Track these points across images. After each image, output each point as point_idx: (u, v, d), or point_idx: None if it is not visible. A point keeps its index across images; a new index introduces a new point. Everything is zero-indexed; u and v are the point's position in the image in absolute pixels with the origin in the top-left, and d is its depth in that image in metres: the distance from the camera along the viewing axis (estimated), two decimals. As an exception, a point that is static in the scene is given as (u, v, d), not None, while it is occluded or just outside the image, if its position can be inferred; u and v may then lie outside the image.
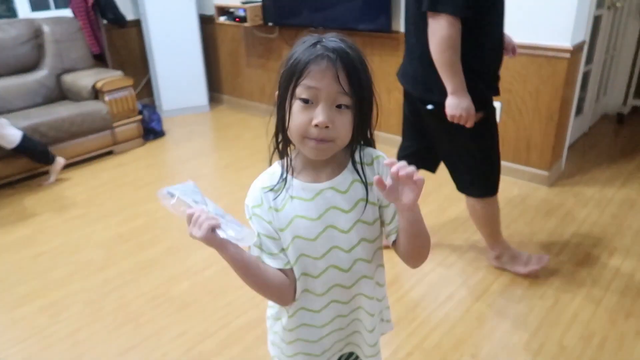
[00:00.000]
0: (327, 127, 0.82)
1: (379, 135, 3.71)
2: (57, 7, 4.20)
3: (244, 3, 3.96)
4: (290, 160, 0.93)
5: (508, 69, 2.94)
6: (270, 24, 3.93)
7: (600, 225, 2.59)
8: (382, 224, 0.96)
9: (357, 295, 0.98)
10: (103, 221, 2.82)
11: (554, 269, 2.26)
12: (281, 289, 0.93)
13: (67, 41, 3.82)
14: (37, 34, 3.73)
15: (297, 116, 0.84)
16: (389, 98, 3.59)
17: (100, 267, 2.40)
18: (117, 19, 4.20)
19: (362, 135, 0.91)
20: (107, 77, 3.68)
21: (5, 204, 3.06)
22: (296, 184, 0.92)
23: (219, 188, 3.21)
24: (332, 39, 0.86)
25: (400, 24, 3.32)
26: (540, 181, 3.04)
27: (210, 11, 4.45)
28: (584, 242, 2.45)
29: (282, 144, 0.92)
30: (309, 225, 0.90)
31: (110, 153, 3.75)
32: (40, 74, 3.72)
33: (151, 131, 4.03)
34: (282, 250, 0.93)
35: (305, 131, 0.84)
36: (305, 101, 0.83)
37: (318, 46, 0.84)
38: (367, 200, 0.91)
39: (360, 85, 0.84)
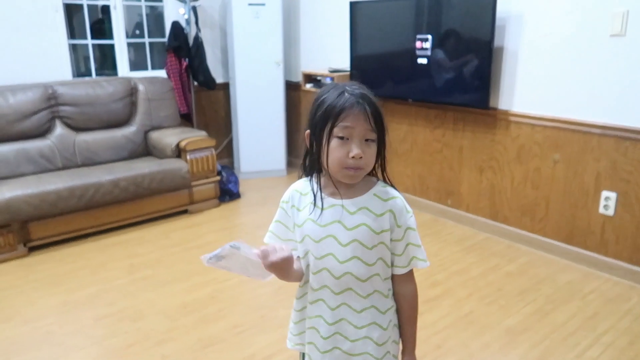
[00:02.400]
0: (360, 157, 1.02)
1: (467, 216, 3.39)
2: (154, 68, 4.39)
3: (331, 72, 3.92)
4: (319, 177, 1.12)
5: (626, 157, 2.59)
6: (356, 93, 3.84)
7: None
8: (392, 255, 1.12)
9: (343, 305, 1.11)
10: (169, 286, 2.67)
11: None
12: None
13: (158, 100, 3.93)
14: (132, 92, 3.87)
15: (337, 151, 1.03)
16: (480, 178, 3.30)
17: (160, 340, 2.21)
18: (207, 82, 4.31)
19: (382, 164, 1.11)
20: (191, 136, 3.71)
21: (80, 256, 3.03)
22: (319, 194, 1.11)
23: (291, 260, 2.99)
24: (355, 87, 1.06)
25: (502, 102, 3.09)
26: (666, 289, 2.57)
27: (297, 78, 4.47)
28: None
29: (310, 165, 1.13)
30: (316, 229, 1.09)
31: (185, 212, 3.70)
32: (130, 129, 3.82)
33: (227, 192, 3.97)
34: (288, 240, 1.16)
35: (344, 163, 1.02)
36: (341, 138, 1.02)
37: (346, 94, 1.03)
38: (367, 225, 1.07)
39: (382, 123, 1.05)
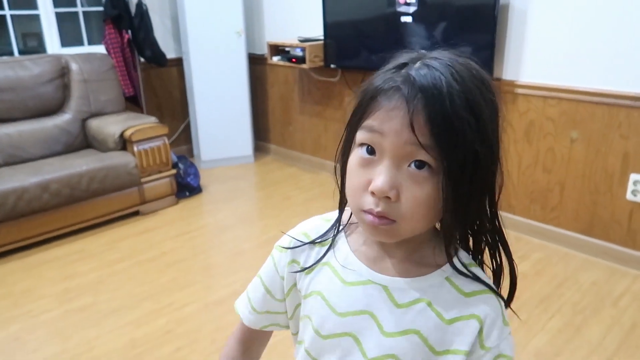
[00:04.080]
0: (389, 197, 0.52)
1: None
2: (91, 43, 3.72)
3: (302, 41, 3.36)
4: (350, 217, 0.65)
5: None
6: (332, 66, 3.30)
7: None
8: None
9: None
10: (114, 318, 2.13)
11: None
12: None
13: (96, 81, 3.29)
14: (63, 72, 3.22)
15: (354, 173, 0.56)
16: (481, 160, 2.84)
17: (98, 400, 1.70)
18: (156, 57, 3.67)
19: (459, 225, 0.58)
20: (138, 124, 3.10)
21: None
22: (344, 250, 0.63)
23: (265, 271, 2.49)
24: (429, 61, 0.53)
25: (507, 71, 2.61)
26: None
27: (262, 50, 3.88)
28: None
29: (340, 197, 0.64)
30: (328, 317, 0.61)
31: (135, 214, 3.13)
32: (63, 118, 3.18)
33: (186, 187, 3.41)
34: (268, 312, 0.70)
35: (361, 199, 0.55)
36: (369, 150, 0.54)
37: (403, 70, 0.54)
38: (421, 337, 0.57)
39: (455, 139, 0.50)
